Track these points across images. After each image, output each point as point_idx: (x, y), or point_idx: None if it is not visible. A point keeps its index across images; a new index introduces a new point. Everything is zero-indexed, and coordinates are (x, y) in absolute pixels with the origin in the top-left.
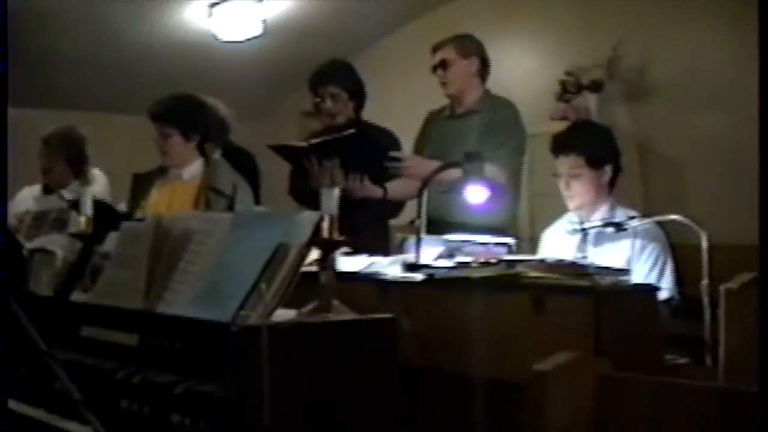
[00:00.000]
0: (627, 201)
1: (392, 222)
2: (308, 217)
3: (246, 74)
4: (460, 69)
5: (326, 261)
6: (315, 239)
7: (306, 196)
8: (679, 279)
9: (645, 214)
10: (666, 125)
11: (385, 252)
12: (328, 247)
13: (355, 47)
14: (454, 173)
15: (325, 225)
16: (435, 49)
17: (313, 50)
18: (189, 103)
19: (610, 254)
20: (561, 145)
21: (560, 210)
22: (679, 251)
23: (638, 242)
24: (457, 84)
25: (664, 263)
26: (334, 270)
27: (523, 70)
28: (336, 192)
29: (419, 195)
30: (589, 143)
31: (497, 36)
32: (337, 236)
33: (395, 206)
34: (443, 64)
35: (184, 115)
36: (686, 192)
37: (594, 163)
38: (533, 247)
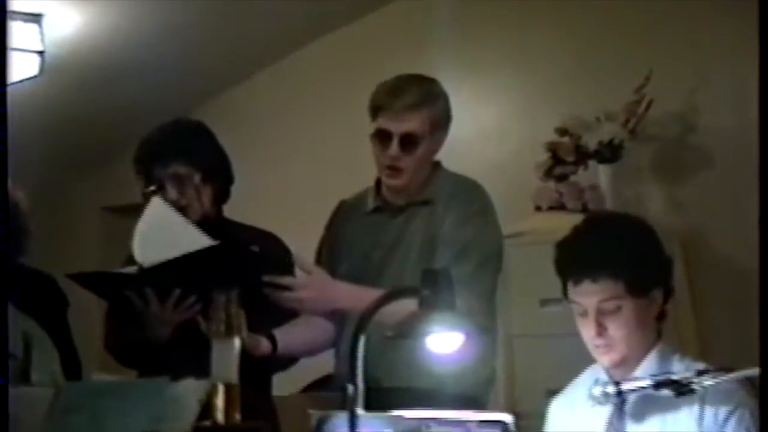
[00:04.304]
0: (671, 337)
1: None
2: (190, 388)
3: (11, 142)
4: (426, 150)
5: None
6: (203, 427)
7: (134, 352)
8: None
9: (713, 365)
10: (727, 208)
11: None
12: None
13: (190, 99)
14: (401, 306)
15: (219, 401)
16: (379, 107)
17: (121, 103)
18: None
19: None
20: (582, 261)
21: (553, 361)
22: None
23: (709, 411)
24: (414, 172)
25: None
26: None
27: (485, 128)
28: (236, 345)
29: (352, 345)
30: (629, 256)
31: (436, 70)
32: (238, 418)
33: (283, 361)
34: (407, 141)
35: None
36: None
37: (639, 289)
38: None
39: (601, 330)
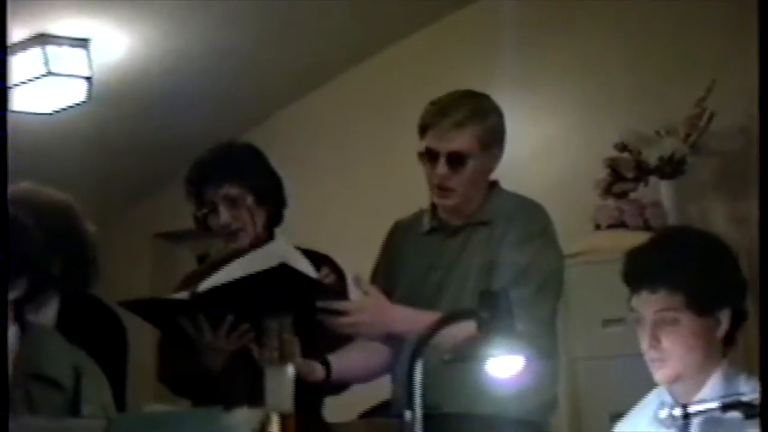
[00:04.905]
0: (737, 356)
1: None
2: (244, 417)
3: (57, 173)
4: (478, 168)
5: None
6: None
7: (188, 382)
8: None
9: None
10: None
11: None
12: None
13: (240, 123)
14: (457, 330)
15: (274, 430)
16: (427, 126)
17: (171, 128)
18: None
19: None
20: (643, 271)
21: (617, 384)
22: None
23: None
24: (465, 191)
25: None
26: None
27: (542, 145)
28: (290, 373)
29: (409, 369)
30: (692, 271)
31: (492, 85)
32: None
33: (335, 386)
34: (454, 160)
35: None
36: None
37: (701, 305)
38: None
39: (653, 342)
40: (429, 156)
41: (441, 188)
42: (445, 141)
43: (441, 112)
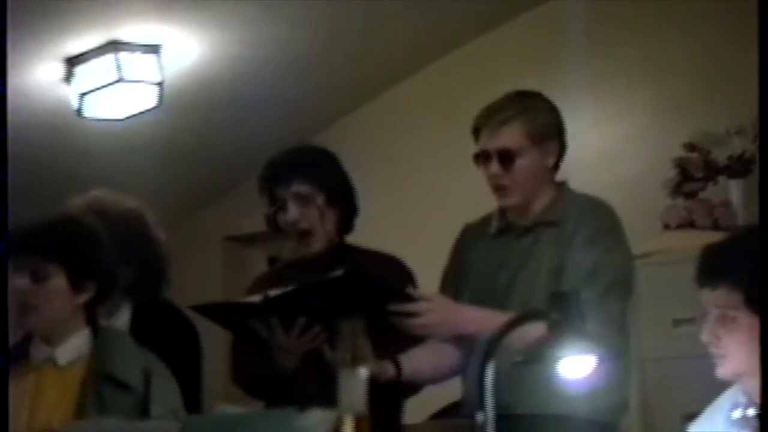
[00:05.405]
0: None
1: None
2: (318, 418)
3: (130, 178)
4: (532, 164)
5: None
6: None
7: (262, 383)
8: None
9: None
10: None
11: None
12: None
13: (311, 126)
14: (528, 331)
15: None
16: (479, 127)
17: (242, 132)
18: (76, 229)
19: None
20: (706, 267)
21: (689, 384)
22: None
23: None
24: (523, 189)
25: None
26: None
27: (611, 146)
28: (363, 375)
29: (480, 371)
30: (754, 269)
31: (560, 87)
32: None
33: (409, 387)
34: (504, 157)
35: (72, 245)
36: None
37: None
38: None
39: (712, 338)
40: (483, 157)
41: (497, 188)
42: (494, 139)
43: (491, 114)
